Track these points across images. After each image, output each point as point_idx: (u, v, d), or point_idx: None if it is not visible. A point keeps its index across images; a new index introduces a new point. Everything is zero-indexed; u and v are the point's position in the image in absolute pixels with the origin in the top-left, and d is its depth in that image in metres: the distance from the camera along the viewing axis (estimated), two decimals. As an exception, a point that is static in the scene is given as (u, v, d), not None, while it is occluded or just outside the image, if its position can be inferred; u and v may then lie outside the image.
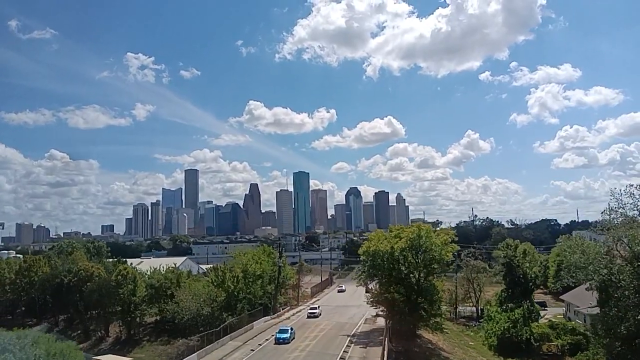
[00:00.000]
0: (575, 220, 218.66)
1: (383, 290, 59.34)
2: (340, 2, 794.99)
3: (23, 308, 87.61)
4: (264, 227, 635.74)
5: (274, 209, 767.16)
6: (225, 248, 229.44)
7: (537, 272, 74.24)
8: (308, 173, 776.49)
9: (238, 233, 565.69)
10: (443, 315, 59.22)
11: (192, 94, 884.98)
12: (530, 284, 68.51)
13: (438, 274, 57.79)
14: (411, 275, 56.22)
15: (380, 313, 73.39)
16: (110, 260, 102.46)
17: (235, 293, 67.19)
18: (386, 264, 54.67)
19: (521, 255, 70.17)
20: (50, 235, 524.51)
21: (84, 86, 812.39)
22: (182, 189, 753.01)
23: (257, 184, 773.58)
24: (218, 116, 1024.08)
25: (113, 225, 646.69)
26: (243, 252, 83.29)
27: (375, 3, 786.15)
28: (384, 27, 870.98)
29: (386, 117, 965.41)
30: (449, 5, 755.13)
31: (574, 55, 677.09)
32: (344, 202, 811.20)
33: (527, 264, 69.45)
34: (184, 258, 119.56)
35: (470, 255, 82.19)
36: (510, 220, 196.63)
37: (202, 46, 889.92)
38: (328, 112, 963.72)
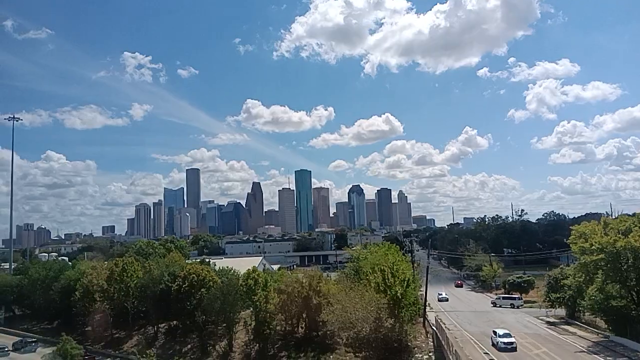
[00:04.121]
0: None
1: (607, 296, 48.79)
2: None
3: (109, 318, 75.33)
4: (266, 226, 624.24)
5: (275, 208, 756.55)
6: (259, 247, 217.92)
7: None
8: (310, 171, 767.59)
9: (241, 232, 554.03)
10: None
11: (190, 93, 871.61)
12: None
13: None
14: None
15: (553, 320, 63.56)
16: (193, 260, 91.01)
17: (401, 299, 56.24)
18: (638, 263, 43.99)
19: None
20: (52, 237, 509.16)
21: (80, 86, 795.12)
22: (183, 188, 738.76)
23: (259, 183, 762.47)
24: (215, 115, 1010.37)
25: (114, 226, 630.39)
26: (373, 250, 72.40)
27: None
28: (382, 23, 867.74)
29: (384, 114, 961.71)
30: (447, 1, 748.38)
31: (572, 51, 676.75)
32: (346, 200, 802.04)
33: None
34: (261, 257, 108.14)
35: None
36: (606, 212, 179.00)
37: (199, 45, 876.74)
38: (326, 110, 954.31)
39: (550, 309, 66.30)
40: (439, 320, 63.14)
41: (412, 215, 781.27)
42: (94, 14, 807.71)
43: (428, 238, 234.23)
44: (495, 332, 50.43)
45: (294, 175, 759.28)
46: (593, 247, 47.32)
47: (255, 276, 61.65)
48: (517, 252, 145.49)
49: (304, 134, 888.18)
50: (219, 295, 62.22)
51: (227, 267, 77.57)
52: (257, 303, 59.34)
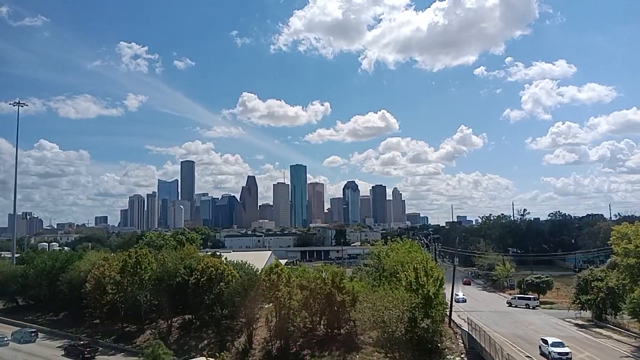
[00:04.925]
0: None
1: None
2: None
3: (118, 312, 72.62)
4: (261, 220, 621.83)
5: (269, 202, 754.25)
6: (259, 241, 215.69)
7: None
8: (305, 166, 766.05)
9: (235, 226, 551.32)
10: None
11: (185, 84, 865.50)
12: None
13: None
14: None
15: (581, 322, 62.01)
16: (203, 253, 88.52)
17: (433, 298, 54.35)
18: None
19: None
20: (44, 226, 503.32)
21: (75, 75, 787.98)
22: (177, 180, 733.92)
23: (254, 177, 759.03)
24: (211, 108, 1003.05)
25: (107, 217, 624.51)
26: (395, 247, 70.55)
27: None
28: (381, 19, 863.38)
29: (380, 111, 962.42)
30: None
31: (569, 51, 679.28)
32: (341, 196, 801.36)
33: None
34: (269, 252, 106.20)
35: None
36: (619, 213, 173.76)
37: (196, 36, 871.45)
38: (322, 105, 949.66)
39: (579, 311, 64.66)
40: (471, 321, 60.48)
41: (406, 212, 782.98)
42: (90, 2, 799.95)
43: (431, 234, 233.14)
44: (545, 341, 47.51)
45: (289, 169, 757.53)
46: (639, 248, 45.67)
47: (279, 271, 59.58)
48: (524, 252, 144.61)
49: (300, 128, 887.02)
50: (239, 290, 60.05)
51: (242, 261, 75.76)
52: (281, 299, 57.25)
